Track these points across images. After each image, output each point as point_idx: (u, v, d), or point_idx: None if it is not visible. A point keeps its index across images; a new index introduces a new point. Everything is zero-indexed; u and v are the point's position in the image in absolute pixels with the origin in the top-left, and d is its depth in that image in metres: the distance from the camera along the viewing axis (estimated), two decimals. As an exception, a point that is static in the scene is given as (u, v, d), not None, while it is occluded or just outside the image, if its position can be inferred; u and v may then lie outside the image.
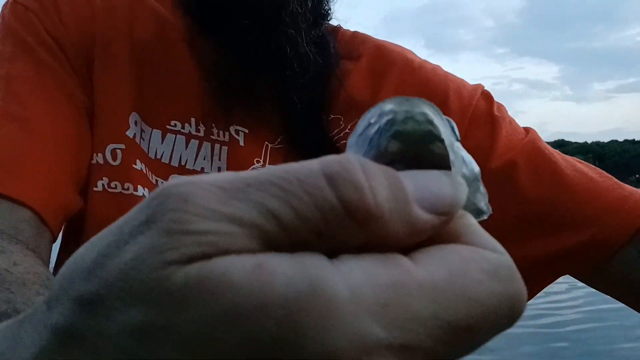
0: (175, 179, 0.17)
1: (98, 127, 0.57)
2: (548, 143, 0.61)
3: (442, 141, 0.19)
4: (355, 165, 0.16)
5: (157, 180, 0.58)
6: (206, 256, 0.15)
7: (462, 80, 0.66)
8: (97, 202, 0.56)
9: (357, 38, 0.67)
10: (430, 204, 0.17)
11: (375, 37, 0.68)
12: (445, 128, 0.20)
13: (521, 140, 0.60)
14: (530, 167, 0.58)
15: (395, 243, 0.16)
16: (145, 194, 0.57)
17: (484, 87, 0.65)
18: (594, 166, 0.61)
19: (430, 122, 0.19)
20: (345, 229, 0.16)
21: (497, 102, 0.64)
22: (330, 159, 0.16)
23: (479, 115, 0.62)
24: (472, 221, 0.18)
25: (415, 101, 0.19)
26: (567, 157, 0.62)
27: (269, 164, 0.59)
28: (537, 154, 0.59)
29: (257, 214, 0.15)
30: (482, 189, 0.24)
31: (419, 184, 0.17)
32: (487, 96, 0.64)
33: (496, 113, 0.62)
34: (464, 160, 0.22)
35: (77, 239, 0.57)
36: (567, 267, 0.59)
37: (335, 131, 0.61)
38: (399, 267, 0.16)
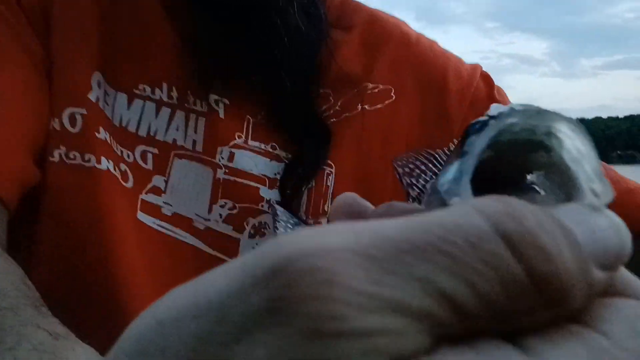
0: (291, 238, 0.12)
1: (55, 88, 0.50)
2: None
3: (549, 151, 0.17)
4: (532, 220, 0.12)
5: (122, 152, 0.52)
6: None
7: (459, 59, 0.64)
8: (53, 174, 0.49)
9: (349, 5, 0.63)
10: (601, 260, 0.13)
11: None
12: (582, 149, 0.18)
13: None
14: None
15: (571, 312, 0.13)
16: (109, 167, 0.50)
17: (482, 68, 0.63)
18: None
19: (549, 134, 0.17)
20: (530, 308, 0.12)
21: (497, 85, 0.63)
22: (495, 210, 0.12)
23: (480, 99, 0.60)
24: None
25: (551, 115, 0.17)
26: None
27: (251, 140, 0.55)
28: None
29: (426, 297, 0.11)
30: None
31: (583, 232, 0.13)
32: (486, 78, 0.62)
33: (497, 97, 0.60)
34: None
35: (31, 216, 0.49)
36: None
37: (324, 107, 0.57)
38: (607, 356, 0.12)
